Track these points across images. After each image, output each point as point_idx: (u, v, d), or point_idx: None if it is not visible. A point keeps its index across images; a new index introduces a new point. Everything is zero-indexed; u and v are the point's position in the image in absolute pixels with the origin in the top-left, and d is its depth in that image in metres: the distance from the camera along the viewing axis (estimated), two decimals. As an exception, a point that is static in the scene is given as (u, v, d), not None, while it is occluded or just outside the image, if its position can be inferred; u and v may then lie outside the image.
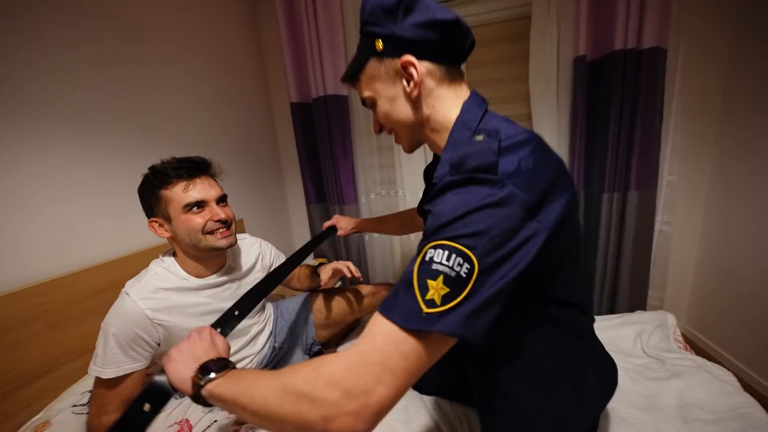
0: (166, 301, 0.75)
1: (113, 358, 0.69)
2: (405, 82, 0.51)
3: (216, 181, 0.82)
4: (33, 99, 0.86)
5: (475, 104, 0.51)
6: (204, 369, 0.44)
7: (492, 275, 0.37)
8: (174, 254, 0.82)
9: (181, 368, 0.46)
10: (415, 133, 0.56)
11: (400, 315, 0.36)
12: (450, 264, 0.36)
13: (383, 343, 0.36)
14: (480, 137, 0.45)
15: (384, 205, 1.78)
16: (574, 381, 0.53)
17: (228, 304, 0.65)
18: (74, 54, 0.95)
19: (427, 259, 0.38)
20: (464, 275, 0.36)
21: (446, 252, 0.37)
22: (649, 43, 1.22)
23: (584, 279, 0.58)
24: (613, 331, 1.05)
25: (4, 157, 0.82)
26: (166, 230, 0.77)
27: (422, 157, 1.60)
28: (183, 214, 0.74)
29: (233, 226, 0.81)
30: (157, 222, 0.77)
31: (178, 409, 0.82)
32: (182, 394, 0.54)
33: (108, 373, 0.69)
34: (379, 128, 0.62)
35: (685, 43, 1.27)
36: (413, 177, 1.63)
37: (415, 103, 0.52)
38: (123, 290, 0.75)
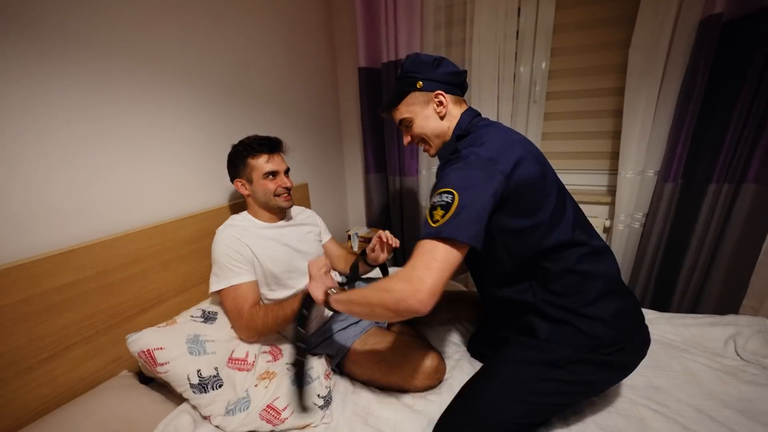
0: (246, 231, 0.98)
1: (227, 274, 0.92)
2: (435, 106, 0.81)
3: (284, 157, 1.06)
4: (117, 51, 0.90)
5: (468, 114, 0.82)
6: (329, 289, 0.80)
7: (465, 197, 0.63)
8: (247, 210, 1.06)
9: (316, 289, 0.80)
10: (440, 139, 0.83)
11: (425, 233, 0.63)
12: (441, 199, 0.64)
13: (422, 248, 0.63)
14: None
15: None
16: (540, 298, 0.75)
17: (287, 240, 1.03)
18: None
19: (431, 202, 0.67)
20: (449, 201, 0.63)
21: (439, 195, 0.65)
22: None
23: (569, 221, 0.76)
24: (698, 329, 0.97)
25: (129, 110, 0.91)
26: (247, 189, 1.01)
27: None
28: (262, 179, 0.98)
29: (291, 193, 1.05)
30: (241, 182, 1.01)
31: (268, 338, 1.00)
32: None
33: (224, 284, 0.92)
34: (410, 140, 0.88)
35: None
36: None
37: (442, 119, 0.82)
38: (216, 231, 0.98)
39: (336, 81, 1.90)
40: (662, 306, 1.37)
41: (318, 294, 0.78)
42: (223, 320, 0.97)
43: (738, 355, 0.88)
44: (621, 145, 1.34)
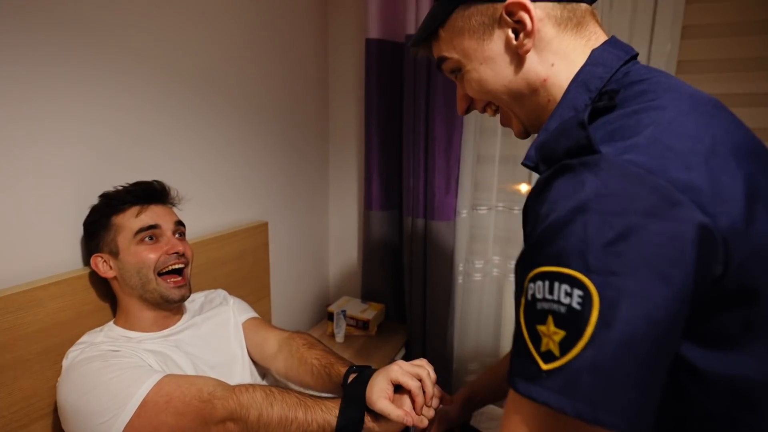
0: (118, 344, 0.60)
1: (126, 386, 0.54)
2: (512, 34, 0.39)
3: (173, 210, 0.70)
4: None
5: (611, 53, 0.38)
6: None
7: (620, 302, 0.25)
8: (113, 320, 0.66)
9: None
10: (527, 106, 0.43)
11: (524, 383, 0.28)
12: (556, 297, 0.27)
13: (516, 420, 0.30)
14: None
15: (502, 227, 1.05)
16: None
17: (191, 350, 0.66)
18: None
19: (528, 298, 0.29)
20: (577, 307, 0.25)
21: (545, 280, 0.28)
22: None
23: None
24: None
25: None
26: (112, 269, 0.62)
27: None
28: (134, 245, 0.62)
29: (189, 268, 0.67)
30: (101, 257, 0.62)
31: None
32: None
33: (135, 401, 0.54)
34: (467, 105, 0.48)
35: None
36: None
37: (526, 62, 0.40)
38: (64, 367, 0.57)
39: (326, 61, 1.24)
40: None
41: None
42: None
43: None
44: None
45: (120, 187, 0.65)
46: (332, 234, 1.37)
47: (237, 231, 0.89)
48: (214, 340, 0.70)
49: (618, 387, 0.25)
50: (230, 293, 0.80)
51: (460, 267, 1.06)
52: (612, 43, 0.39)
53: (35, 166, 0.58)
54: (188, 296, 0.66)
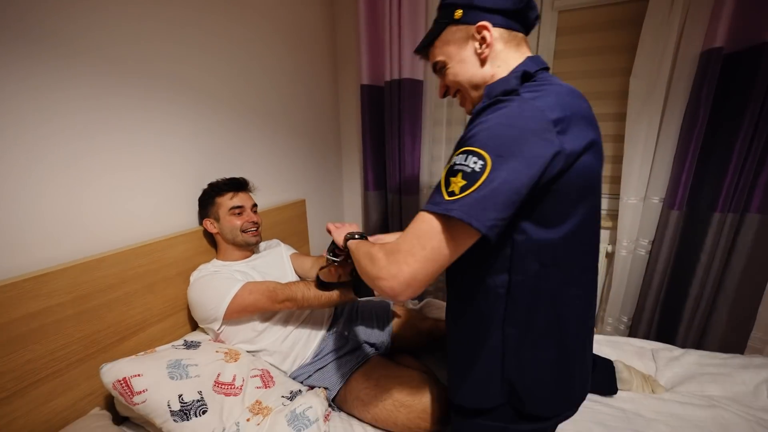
0: (219, 270, 0.99)
1: (225, 287, 0.91)
2: (477, 45, 0.58)
3: (251, 195, 1.09)
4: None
5: (532, 62, 0.57)
6: (350, 234, 0.73)
7: (503, 168, 0.44)
8: (216, 256, 1.07)
9: (338, 234, 0.78)
10: (478, 92, 0.60)
11: (431, 205, 0.47)
12: (467, 163, 0.45)
13: (418, 225, 0.48)
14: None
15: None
16: (506, 335, 0.56)
17: (259, 269, 1.03)
18: (142, 17, 0.89)
19: (451, 163, 0.48)
20: (477, 169, 0.44)
21: (465, 155, 0.46)
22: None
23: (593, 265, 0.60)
24: (724, 369, 0.91)
25: (120, 123, 0.85)
26: (215, 227, 1.02)
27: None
28: (228, 215, 1.00)
29: (260, 228, 1.07)
30: (209, 221, 1.03)
31: (257, 361, 0.95)
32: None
33: (229, 297, 0.90)
34: (444, 92, 0.67)
35: None
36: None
37: (483, 63, 0.58)
38: (191, 279, 0.97)
39: (337, 97, 1.88)
40: (668, 336, 1.34)
41: (339, 238, 0.77)
42: (207, 345, 0.90)
43: None
44: (623, 170, 1.33)
45: (220, 180, 1.05)
46: (345, 204, 2.06)
47: (287, 204, 1.47)
48: (274, 265, 1.10)
49: (486, 210, 0.43)
50: (282, 242, 1.25)
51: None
52: (533, 57, 0.58)
53: (172, 167, 0.98)
54: (260, 241, 1.07)
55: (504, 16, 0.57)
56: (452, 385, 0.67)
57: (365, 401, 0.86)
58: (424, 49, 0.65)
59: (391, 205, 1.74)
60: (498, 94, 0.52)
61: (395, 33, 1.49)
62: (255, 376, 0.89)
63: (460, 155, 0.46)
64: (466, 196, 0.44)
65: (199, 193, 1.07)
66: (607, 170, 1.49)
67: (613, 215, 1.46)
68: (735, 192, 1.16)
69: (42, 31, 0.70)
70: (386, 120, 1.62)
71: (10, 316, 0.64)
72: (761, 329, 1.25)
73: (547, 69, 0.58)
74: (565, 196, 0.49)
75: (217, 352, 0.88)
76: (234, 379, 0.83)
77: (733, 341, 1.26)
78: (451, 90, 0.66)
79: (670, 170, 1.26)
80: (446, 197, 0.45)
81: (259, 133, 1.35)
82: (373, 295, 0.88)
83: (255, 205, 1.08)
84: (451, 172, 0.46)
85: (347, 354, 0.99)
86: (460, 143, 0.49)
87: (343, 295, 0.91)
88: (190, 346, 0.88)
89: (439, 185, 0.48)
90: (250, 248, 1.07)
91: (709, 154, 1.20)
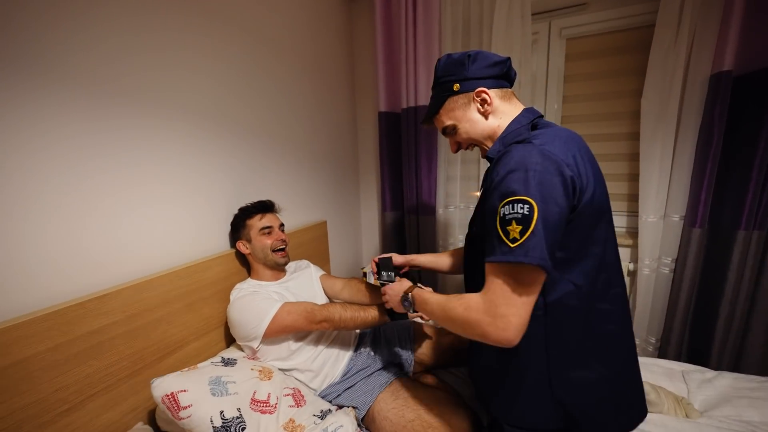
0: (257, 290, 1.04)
1: (265, 309, 0.95)
2: (479, 106, 0.69)
3: (277, 215, 1.15)
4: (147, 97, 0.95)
5: (528, 112, 0.69)
6: (404, 296, 0.82)
7: (545, 209, 0.51)
8: (249, 276, 1.11)
9: (393, 296, 0.85)
10: (491, 140, 0.71)
11: (501, 255, 0.53)
12: (515, 210, 0.52)
13: (500, 283, 0.53)
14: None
15: (461, 217, 1.74)
16: (550, 357, 0.60)
17: (293, 291, 1.07)
18: (169, 42, 0.94)
19: (501, 214, 0.54)
20: (527, 213, 0.51)
21: (510, 205, 0.53)
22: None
23: (612, 276, 0.63)
24: (762, 393, 0.89)
25: (157, 157, 0.95)
26: (247, 248, 1.07)
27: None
28: (259, 235, 1.06)
29: (287, 247, 1.11)
30: (242, 242, 1.08)
31: (288, 379, 0.98)
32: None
33: (268, 319, 0.93)
34: (457, 147, 0.78)
35: None
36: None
37: (487, 117, 0.70)
38: (231, 298, 1.02)
39: (355, 123, 1.99)
40: (701, 358, 1.30)
41: (395, 301, 0.84)
42: (242, 363, 0.94)
43: None
44: (640, 188, 1.35)
45: (249, 204, 1.11)
46: (363, 225, 2.12)
47: (311, 226, 1.55)
48: (305, 286, 1.13)
49: (543, 248, 0.50)
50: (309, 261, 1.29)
51: (440, 242, 1.76)
52: (529, 108, 0.70)
53: (206, 196, 1.06)
54: (288, 262, 1.11)
55: (493, 79, 0.70)
56: (500, 407, 0.69)
57: (393, 421, 0.88)
58: (430, 119, 0.77)
59: (408, 225, 1.79)
60: (512, 143, 0.62)
61: (411, 64, 1.59)
62: (288, 394, 0.92)
63: (506, 206, 0.53)
64: (527, 239, 0.51)
65: (230, 218, 1.15)
66: (624, 188, 1.51)
67: (633, 233, 1.46)
68: (759, 209, 1.15)
69: (77, 73, 0.80)
70: (403, 144, 1.70)
71: (75, 333, 0.71)
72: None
73: (541, 117, 0.70)
74: (582, 221, 0.56)
75: (252, 369, 0.92)
76: (269, 398, 0.87)
77: (762, 357, 1.21)
78: (463, 145, 0.77)
79: (689, 188, 1.27)
80: (510, 245, 0.52)
81: (283, 160, 1.43)
82: (407, 318, 0.91)
83: (282, 225, 1.13)
84: (506, 221, 0.53)
85: (374, 374, 1.02)
86: (497, 192, 0.55)
87: (379, 318, 0.94)
88: (227, 363, 0.93)
89: (498, 236, 0.54)
90: (280, 268, 1.11)
91: (728, 173, 1.20)
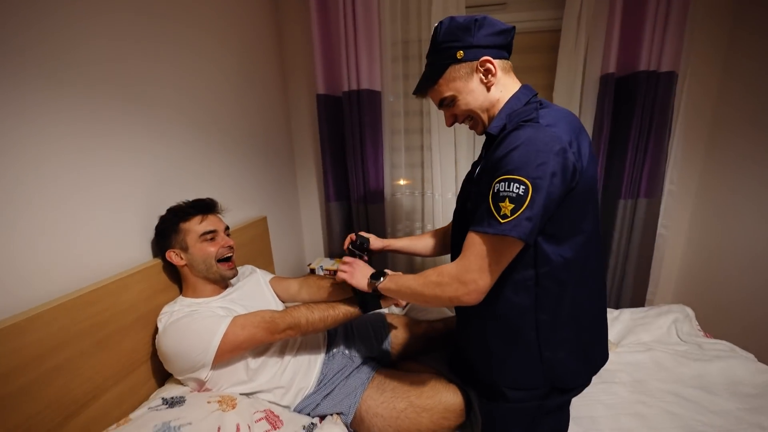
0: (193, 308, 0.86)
1: (211, 328, 0.78)
2: (483, 76, 0.67)
3: (221, 217, 0.96)
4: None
5: (527, 89, 0.70)
6: (373, 275, 0.81)
7: (540, 191, 0.53)
8: (181, 293, 0.92)
9: (359, 278, 0.83)
10: (488, 114, 0.70)
11: (487, 227, 0.56)
12: (511, 189, 0.54)
13: (478, 251, 0.57)
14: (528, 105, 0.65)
15: (409, 205, 1.77)
16: (539, 321, 0.66)
17: (240, 303, 0.90)
18: (90, 24, 0.76)
19: (495, 190, 0.56)
20: (522, 193, 0.53)
21: (507, 182, 0.54)
22: (666, 67, 1.38)
23: (597, 247, 0.70)
24: (647, 319, 1.18)
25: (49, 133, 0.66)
26: (183, 259, 0.87)
27: (452, 157, 1.63)
28: (199, 242, 0.86)
29: (234, 256, 0.94)
30: (174, 252, 0.86)
31: (257, 402, 0.85)
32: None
33: (218, 337, 0.77)
34: (453, 120, 0.75)
35: (690, 70, 1.45)
36: (444, 178, 1.65)
37: (488, 89, 0.68)
38: (160, 327, 0.81)
39: (288, 108, 1.79)
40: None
41: (361, 283, 0.80)
42: (194, 398, 0.77)
43: (680, 339, 1.10)
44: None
45: (183, 203, 0.90)
46: (304, 218, 1.95)
47: (250, 223, 1.34)
48: (254, 294, 0.98)
49: (527, 225, 0.53)
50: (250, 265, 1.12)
51: (389, 230, 1.76)
52: (527, 86, 0.70)
53: (112, 192, 0.80)
54: (236, 274, 0.93)
55: (497, 48, 0.67)
56: (490, 374, 0.72)
57: (384, 416, 0.84)
58: (426, 88, 0.72)
59: (356, 215, 1.73)
60: (519, 121, 0.61)
61: (351, 43, 1.50)
62: (260, 419, 0.79)
63: (502, 182, 0.55)
64: (517, 217, 0.53)
65: (152, 220, 0.90)
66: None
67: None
68: (630, 184, 1.50)
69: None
70: (347, 130, 1.61)
71: None
72: (653, 286, 1.64)
73: (536, 95, 0.70)
74: (576, 200, 0.60)
75: (209, 402, 0.76)
76: (238, 429, 0.72)
77: (637, 299, 1.62)
78: (460, 118, 0.74)
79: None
80: (500, 220, 0.54)
81: (209, 149, 1.19)
82: (381, 307, 0.87)
83: (227, 228, 0.96)
84: (499, 198, 0.55)
85: (353, 373, 0.96)
86: (495, 166, 0.57)
87: (351, 312, 0.87)
88: (172, 403, 0.74)
89: (488, 209, 0.56)
90: (224, 281, 0.93)
91: (612, 156, 1.53)
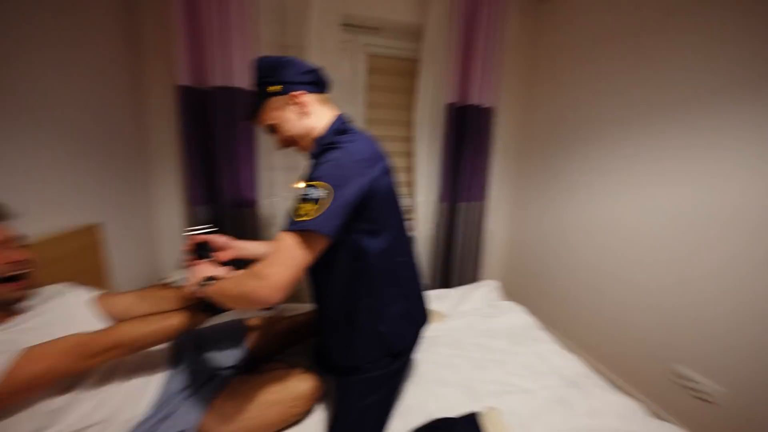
0: None
1: None
2: (297, 107, 0.80)
3: (6, 225, 0.76)
4: None
5: (339, 120, 0.83)
6: (207, 279, 0.78)
7: (339, 194, 0.66)
8: None
9: (193, 282, 0.79)
10: (308, 138, 0.82)
11: (289, 225, 0.65)
12: (313, 193, 0.65)
13: (281, 243, 0.64)
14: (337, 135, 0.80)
15: (285, 208, 1.77)
16: (371, 309, 0.81)
17: (31, 339, 0.66)
18: None
19: (301, 194, 0.67)
20: (323, 196, 0.65)
21: (311, 188, 0.66)
22: (487, 102, 1.84)
23: (406, 238, 0.89)
24: (469, 293, 1.57)
25: None
26: None
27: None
28: None
29: (31, 272, 0.77)
30: None
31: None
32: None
33: None
34: (282, 145, 0.87)
35: (502, 105, 1.98)
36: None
37: (305, 119, 0.81)
38: None
39: (139, 98, 1.52)
40: (446, 283, 2.05)
41: (193, 288, 0.77)
42: None
43: (488, 304, 1.51)
44: (416, 179, 1.91)
45: None
46: (162, 225, 1.69)
47: (71, 233, 1.09)
48: (58, 321, 0.78)
49: (330, 221, 0.64)
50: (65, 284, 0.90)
51: (264, 235, 1.72)
52: (340, 115, 0.83)
53: None
54: (26, 297, 0.75)
55: (308, 84, 0.81)
56: (339, 353, 0.85)
57: (231, 415, 0.81)
58: (252, 117, 0.84)
59: (228, 219, 1.62)
60: (326, 144, 0.76)
61: (219, 35, 1.40)
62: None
63: (308, 188, 0.65)
64: (318, 216, 0.63)
65: None
66: (404, 178, 2.07)
67: (410, 209, 2.05)
68: (468, 189, 1.94)
69: None
70: (217, 129, 1.50)
71: None
72: (483, 268, 2.17)
73: (351, 122, 0.84)
74: (378, 203, 0.75)
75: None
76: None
77: (474, 277, 2.10)
78: (285, 143, 0.85)
79: (440, 178, 1.93)
80: (303, 218, 0.63)
81: (11, 138, 0.92)
82: (224, 311, 0.82)
83: (20, 238, 0.77)
84: (302, 200, 0.65)
85: (203, 387, 0.88)
86: (309, 179, 0.68)
87: (192, 319, 0.80)
88: None
89: (294, 210, 0.65)
90: (12, 307, 0.74)
91: (456, 167, 1.93)
